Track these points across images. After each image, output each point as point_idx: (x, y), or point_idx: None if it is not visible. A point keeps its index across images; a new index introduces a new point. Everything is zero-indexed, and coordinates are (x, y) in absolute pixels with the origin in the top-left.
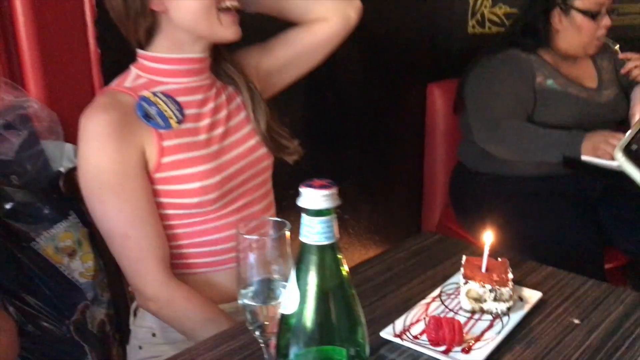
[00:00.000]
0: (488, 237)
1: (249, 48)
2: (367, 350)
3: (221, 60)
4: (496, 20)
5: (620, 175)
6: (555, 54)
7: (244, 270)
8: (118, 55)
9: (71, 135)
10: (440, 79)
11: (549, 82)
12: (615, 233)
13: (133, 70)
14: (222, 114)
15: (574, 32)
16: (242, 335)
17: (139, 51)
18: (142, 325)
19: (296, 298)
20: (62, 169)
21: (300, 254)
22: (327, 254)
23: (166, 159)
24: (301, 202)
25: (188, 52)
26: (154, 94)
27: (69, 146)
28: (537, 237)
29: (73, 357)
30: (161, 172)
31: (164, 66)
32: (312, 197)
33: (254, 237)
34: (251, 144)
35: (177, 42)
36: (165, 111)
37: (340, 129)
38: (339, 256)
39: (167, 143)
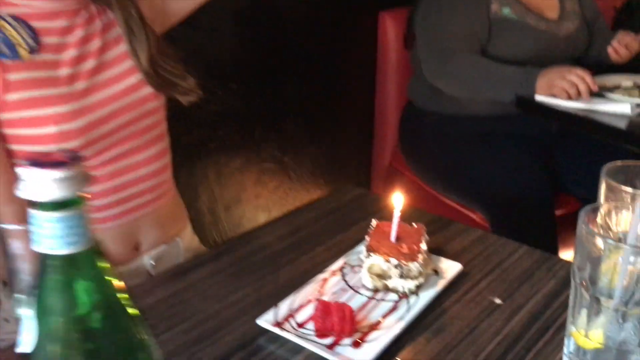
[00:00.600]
0: (398, 200)
1: None
2: None
3: None
4: None
5: (575, 118)
6: None
7: None
8: None
9: None
10: (394, 6)
11: (505, 10)
12: (570, 178)
13: None
14: (94, 44)
15: None
16: None
17: None
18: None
19: (36, 334)
20: None
21: (39, 267)
22: (75, 267)
23: (12, 96)
24: (22, 190)
25: None
26: (1, 16)
27: None
28: (485, 182)
29: None
30: (6, 112)
31: None
32: (39, 181)
33: None
34: (131, 82)
35: None
36: (13, 37)
37: (280, 60)
38: (100, 267)
39: (13, 76)
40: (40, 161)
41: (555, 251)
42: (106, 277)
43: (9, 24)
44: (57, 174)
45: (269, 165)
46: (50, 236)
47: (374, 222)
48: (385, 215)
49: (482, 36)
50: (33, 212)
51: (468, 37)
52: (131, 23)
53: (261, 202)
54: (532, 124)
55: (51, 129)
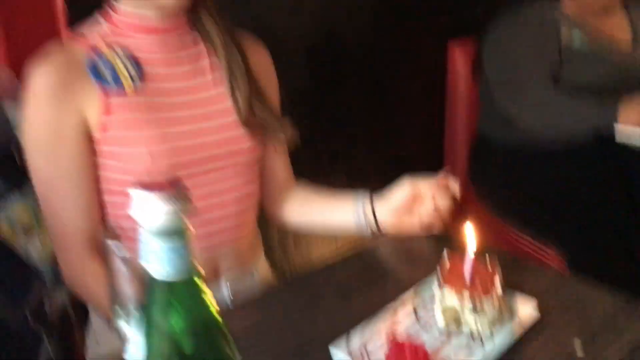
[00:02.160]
0: (471, 234)
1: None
2: None
3: (201, 11)
4: None
5: None
6: (581, 5)
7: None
8: (85, 10)
9: None
10: (463, 35)
11: (576, 40)
12: None
13: (97, 18)
14: (196, 81)
15: None
16: None
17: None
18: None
19: (144, 352)
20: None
21: (147, 288)
22: (181, 292)
23: (113, 117)
24: (134, 213)
25: (150, 8)
26: (112, 48)
27: None
28: (562, 217)
29: (27, 347)
30: (107, 132)
31: (125, 18)
32: (153, 208)
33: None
34: (226, 121)
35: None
36: (119, 68)
37: (350, 93)
38: (204, 295)
39: (115, 100)
40: (155, 189)
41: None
42: (207, 302)
43: (117, 55)
44: (169, 203)
45: None
46: (158, 261)
47: (446, 255)
48: (457, 250)
49: (553, 66)
50: (144, 236)
51: (539, 68)
52: (234, 67)
53: None
54: (610, 157)
55: (142, 149)
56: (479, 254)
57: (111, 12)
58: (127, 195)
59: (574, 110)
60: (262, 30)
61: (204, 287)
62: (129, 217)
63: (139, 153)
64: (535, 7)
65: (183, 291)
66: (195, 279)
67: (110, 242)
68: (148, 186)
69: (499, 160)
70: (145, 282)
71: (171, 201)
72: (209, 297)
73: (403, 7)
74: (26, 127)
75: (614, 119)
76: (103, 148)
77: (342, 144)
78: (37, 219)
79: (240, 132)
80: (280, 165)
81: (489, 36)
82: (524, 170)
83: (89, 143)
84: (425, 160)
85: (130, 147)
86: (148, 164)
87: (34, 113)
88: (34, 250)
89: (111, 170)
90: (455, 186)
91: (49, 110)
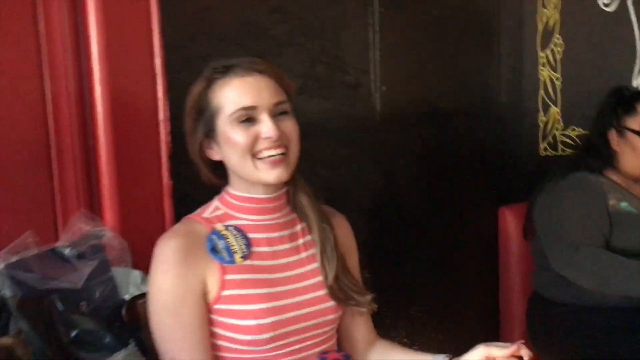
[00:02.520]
0: None
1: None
2: None
3: (298, 195)
4: (569, 142)
5: None
6: (623, 175)
7: None
8: (189, 189)
9: (139, 263)
10: (513, 202)
11: (623, 204)
12: None
13: (214, 202)
14: (294, 257)
15: (632, 154)
16: None
17: (227, 187)
18: None
19: None
20: (127, 296)
21: None
22: None
23: (226, 292)
24: None
25: (257, 192)
26: (227, 227)
27: (135, 273)
28: None
29: None
30: (220, 304)
31: (237, 202)
32: None
33: None
34: (317, 295)
35: (244, 182)
36: (232, 246)
37: (407, 253)
38: None
39: (229, 277)
40: (330, 358)
41: None
42: None
43: (232, 234)
44: None
45: None
46: None
47: None
48: None
49: (604, 229)
50: None
51: (590, 231)
52: (326, 245)
53: None
54: None
55: (251, 322)
56: None
57: (226, 197)
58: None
59: (625, 270)
60: (328, 199)
61: None
62: None
63: (247, 325)
64: (582, 174)
65: None
66: None
67: None
68: (326, 356)
69: (556, 316)
70: None
71: None
72: None
73: (455, 177)
74: (154, 290)
75: None
76: (215, 317)
77: (402, 302)
78: None
79: (329, 304)
80: (360, 325)
81: (539, 200)
82: (582, 327)
83: (206, 310)
84: (482, 316)
85: (239, 319)
86: (254, 335)
87: (162, 278)
88: None
89: (218, 338)
90: (524, 353)
91: (176, 276)
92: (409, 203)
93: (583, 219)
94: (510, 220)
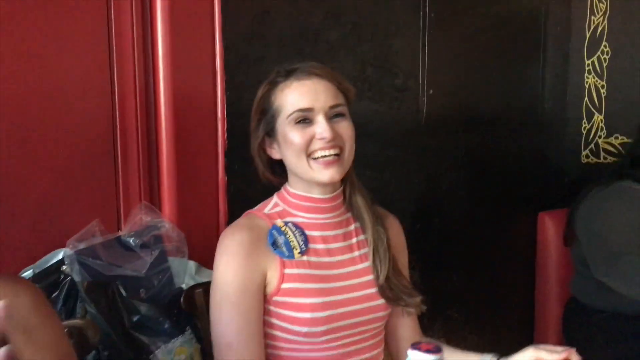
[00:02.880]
0: None
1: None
2: None
3: (354, 195)
4: (612, 150)
5: None
6: None
7: None
8: (242, 184)
9: (196, 254)
10: (553, 208)
11: None
12: None
13: (274, 199)
14: (348, 256)
15: None
16: None
17: (286, 184)
18: None
19: None
20: (183, 286)
21: None
22: None
23: (285, 285)
24: None
25: (314, 192)
26: (286, 223)
27: (192, 264)
28: None
29: None
30: (279, 297)
31: (295, 200)
32: None
33: None
34: (368, 292)
35: (302, 182)
36: (292, 241)
37: (447, 256)
38: None
39: (288, 271)
40: (420, 347)
41: None
42: None
43: (291, 230)
44: (431, 357)
45: None
46: None
47: None
48: None
49: None
50: None
51: (633, 240)
52: (379, 245)
53: None
54: None
55: (306, 315)
56: None
57: (285, 194)
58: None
59: None
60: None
61: None
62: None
63: (302, 318)
64: (627, 183)
65: None
66: None
67: None
68: (419, 347)
69: (595, 322)
70: None
71: (431, 356)
72: None
73: (497, 182)
74: (217, 280)
75: None
76: (273, 309)
77: (440, 304)
78: (191, 359)
79: (379, 302)
80: (407, 325)
81: (582, 207)
82: (622, 332)
83: (263, 301)
84: (518, 319)
85: (295, 312)
86: (309, 327)
87: (226, 269)
88: None
89: (275, 329)
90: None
91: (239, 267)
92: (451, 207)
93: (626, 228)
94: (549, 226)
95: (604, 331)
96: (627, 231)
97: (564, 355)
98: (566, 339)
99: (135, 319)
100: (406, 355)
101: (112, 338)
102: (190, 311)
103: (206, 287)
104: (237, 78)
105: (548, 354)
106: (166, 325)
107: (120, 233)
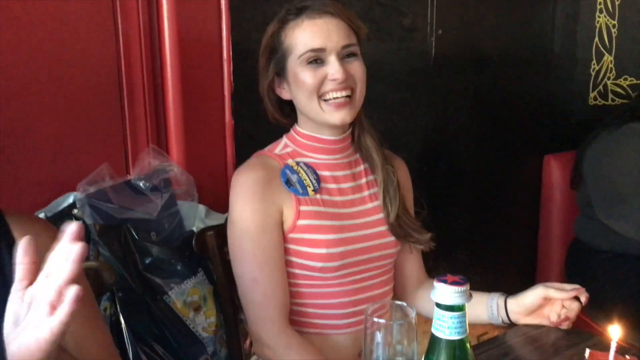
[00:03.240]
0: (615, 332)
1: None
2: None
3: (363, 136)
4: (620, 92)
5: None
6: None
7: (369, 350)
8: (249, 126)
9: (204, 197)
10: (558, 150)
11: None
12: None
13: (284, 140)
14: (358, 195)
15: None
16: None
17: (295, 125)
18: None
19: None
20: (194, 229)
21: (431, 347)
22: (458, 348)
23: (301, 222)
24: (435, 296)
25: (325, 133)
26: (297, 163)
27: (201, 207)
28: None
29: None
30: (295, 233)
31: (305, 141)
32: (446, 292)
33: (382, 320)
34: (379, 230)
35: (312, 123)
36: (305, 180)
37: (453, 197)
38: (469, 351)
39: (303, 208)
40: (447, 280)
41: None
42: (472, 357)
43: (303, 169)
44: (457, 289)
45: None
46: (449, 327)
47: (587, 351)
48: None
49: None
50: (439, 311)
51: (638, 182)
52: (389, 185)
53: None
54: None
55: (322, 250)
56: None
57: (295, 135)
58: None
59: None
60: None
61: (469, 344)
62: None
63: (318, 253)
64: (634, 125)
65: (461, 347)
66: (466, 338)
67: (368, 314)
68: (443, 279)
69: (597, 262)
70: (432, 343)
71: (458, 288)
72: (471, 351)
73: (504, 124)
74: (236, 218)
75: None
76: (289, 246)
77: (446, 245)
78: (204, 300)
79: (389, 239)
80: (413, 263)
81: (591, 149)
82: (623, 274)
83: (282, 236)
84: (521, 260)
85: (311, 247)
86: (324, 262)
87: (243, 207)
88: (200, 323)
89: (292, 266)
90: (584, 297)
91: (257, 204)
92: (458, 148)
93: (634, 171)
94: (555, 169)
95: (606, 271)
96: (635, 174)
97: (572, 293)
98: (568, 280)
99: (147, 261)
100: (433, 287)
101: (126, 279)
102: (202, 254)
103: (217, 229)
104: (243, 16)
105: (557, 292)
106: (178, 267)
107: (129, 177)
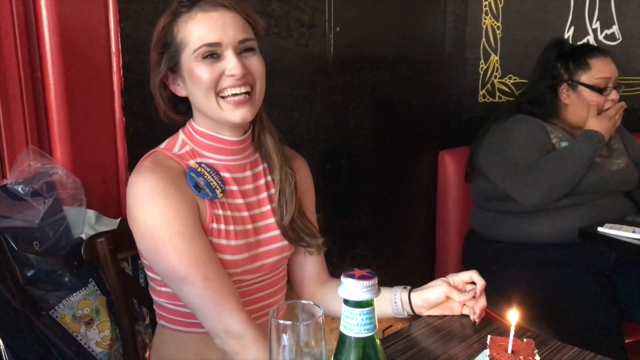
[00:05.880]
0: (514, 317)
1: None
2: None
3: (264, 135)
4: (506, 90)
5: (633, 246)
6: (565, 123)
7: (276, 353)
8: (142, 124)
9: (94, 202)
10: (452, 146)
11: (563, 143)
12: (633, 306)
13: (180, 136)
14: (255, 198)
15: (580, 106)
16: None
17: (191, 120)
18: None
19: None
20: (83, 236)
21: (340, 346)
22: (368, 345)
23: (214, 226)
24: (342, 292)
25: (225, 134)
26: (199, 164)
27: (90, 212)
28: (555, 310)
29: None
30: (208, 237)
31: (204, 140)
32: (354, 288)
33: (288, 322)
34: (276, 234)
35: (210, 121)
36: (211, 182)
37: (354, 195)
38: (379, 347)
39: (216, 211)
40: (354, 275)
41: None
42: (382, 354)
43: (206, 171)
44: (365, 283)
45: None
46: (357, 324)
47: (489, 338)
48: (496, 331)
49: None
50: (347, 308)
51: (533, 155)
52: (285, 187)
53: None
54: (591, 251)
55: (227, 257)
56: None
57: (192, 132)
58: None
59: (570, 154)
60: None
61: (379, 341)
62: None
63: (225, 260)
64: (519, 116)
65: (371, 343)
66: (376, 334)
67: (272, 316)
68: (351, 273)
69: (490, 252)
70: (341, 341)
71: (366, 282)
72: (381, 348)
73: (401, 122)
74: (155, 225)
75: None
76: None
77: (349, 242)
78: (96, 312)
79: (284, 242)
80: (312, 264)
81: (483, 144)
82: (513, 262)
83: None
84: (421, 253)
85: (221, 253)
86: (231, 268)
87: (163, 211)
88: (92, 338)
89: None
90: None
91: (175, 204)
92: (358, 146)
93: (531, 148)
94: (449, 164)
95: (498, 259)
96: (533, 151)
97: (471, 294)
98: (465, 268)
99: (29, 273)
100: (335, 286)
101: (4, 296)
102: (93, 263)
103: (109, 235)
104: (132, 7)
105: (459, 294)
106: (66, 279)
107: (5, 181)
